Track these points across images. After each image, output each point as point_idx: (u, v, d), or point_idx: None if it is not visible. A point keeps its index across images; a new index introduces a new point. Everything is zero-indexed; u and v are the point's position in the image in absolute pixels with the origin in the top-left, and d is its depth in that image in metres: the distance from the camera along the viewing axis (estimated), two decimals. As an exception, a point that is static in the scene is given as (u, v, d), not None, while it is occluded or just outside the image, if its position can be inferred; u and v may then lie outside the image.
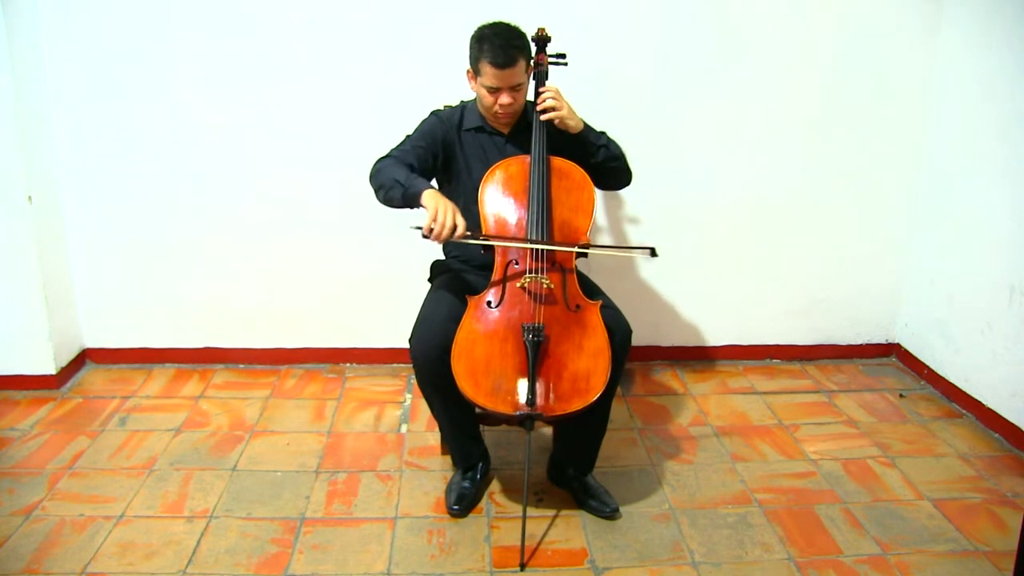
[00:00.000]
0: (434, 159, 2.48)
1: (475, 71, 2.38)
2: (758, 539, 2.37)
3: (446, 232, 2.19)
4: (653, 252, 2.32)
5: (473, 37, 2.37)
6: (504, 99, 2.36)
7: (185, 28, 3.02)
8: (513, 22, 2.39)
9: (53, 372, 3.12)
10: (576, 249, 2.34)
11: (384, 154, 2.45)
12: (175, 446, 2.79)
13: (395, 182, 2.32)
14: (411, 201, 2.30)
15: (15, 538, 2.31)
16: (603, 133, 2.50)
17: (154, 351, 3.35)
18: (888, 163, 3.33)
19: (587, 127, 2.46)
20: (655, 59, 3.14)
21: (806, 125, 3.26)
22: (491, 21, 2.39)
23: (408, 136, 2.50)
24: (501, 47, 2.30)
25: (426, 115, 2.55)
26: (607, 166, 2.48)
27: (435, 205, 2.21)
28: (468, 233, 2.26)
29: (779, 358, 3.52)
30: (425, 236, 2.21)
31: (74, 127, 3.10)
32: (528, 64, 2.38)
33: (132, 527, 2.37)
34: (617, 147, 2.50)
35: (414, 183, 2.30)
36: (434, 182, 2.56)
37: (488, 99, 2.38)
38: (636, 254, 2.29)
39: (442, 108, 2.57)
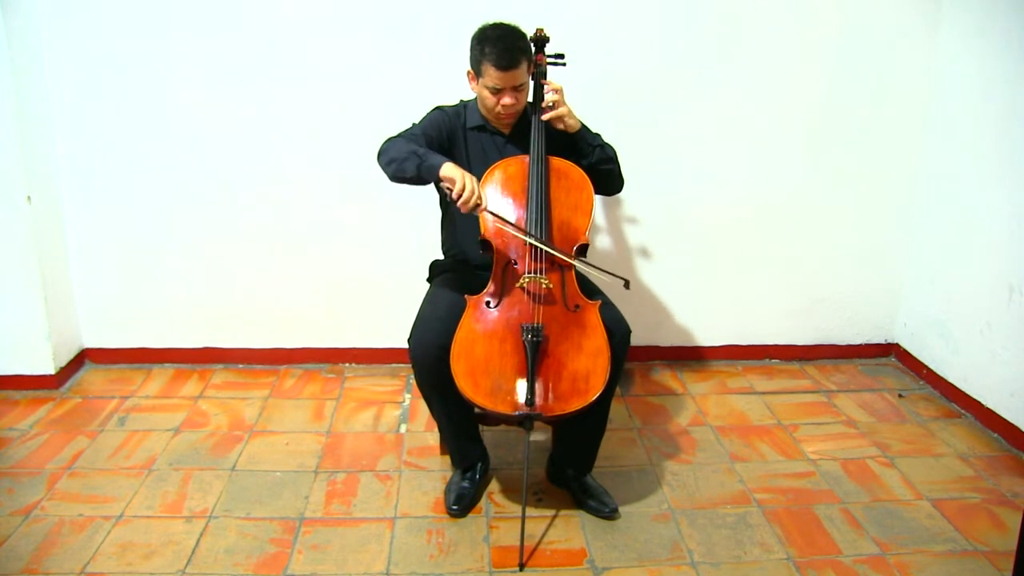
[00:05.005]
0: (439, 147, 2.45)
1: (476, 72, 2.38)
2: (757, 539, 2.37)
3: (472, 201, 2.18)
4: (627, 284, 2.29)
5: (474, 38, 2.37)
6: (506, 100, 2.35)
7: (185, 28, 3.02)
8: (513, 22, 2.39)
9: (52, 372, 3.12)
10: (573, 261, 2.33)
11: (392, 136, 2.43)
12: (174, 446, 2.79)
13: (411, 153, 2.28)
14: (427, 173, 2.26)
15: (14, 538, 2.31)
16: (598, 135, 2.50)
17: (153, 351, 3.35)
18: (887, 163, 3.33)
19: (584, 127, 2.47)
20: (655, 59, 3.14)
21: (806, 125, 3.26)
22: (492, 22, 2.38)
23: (415, 123, 2.50)
24: (505, 49, 2.29)
25: (428, 111, 2.55)
26: (600, 168, 2.47)
27: (461, 175, 2.19)
28: (490, 211, 2.25)
29: (778, 358, 3.52)
30: (452, 201, 2.20)
31: (73, 127, 3.10)
32: (530, 64, 2.38)
33: (131, 527, 2.37)
34: (612, 150, 2.50)
35: (431, 156, 2.27)
36: None
37: (490, 100, 2.38)
38: (612, 279, 2.29)
39: (443, 106, 2.57)
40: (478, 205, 2.21)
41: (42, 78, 3.02)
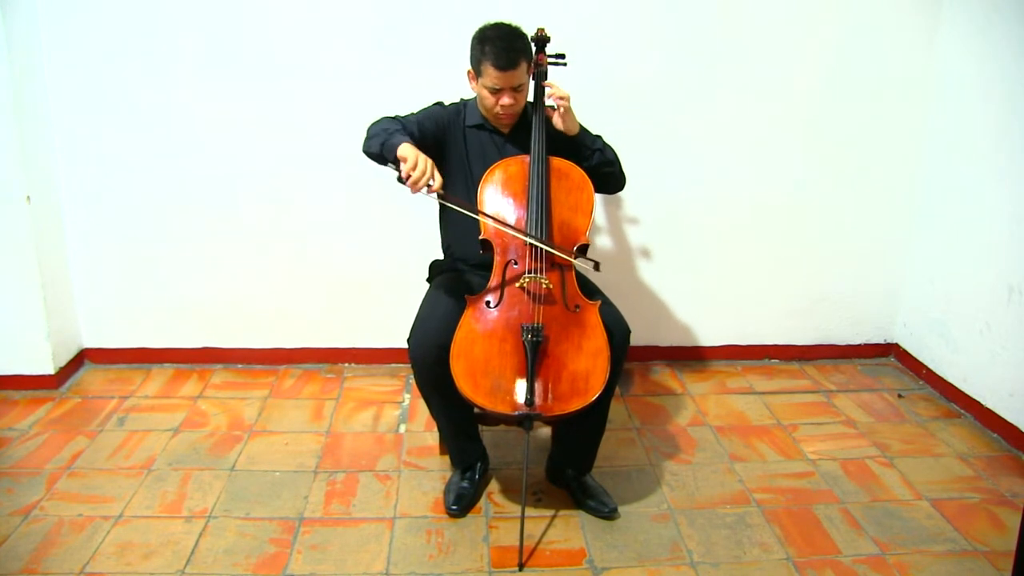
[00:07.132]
0: (434, 139, 2.45)
1: (476, 72, 2.38)
2: (756, 539, 2.37)
3: (422, 181, 2.15)
4: (596, 266, 2.33)
5: (474, 38, 2.37)
6: (505, 100, 2.36)
7: (184, 28, 3.02)
8: (513, 22, 2.38)
9: (52, 372, 3.12)
10: (570, 257, 2.33)
11: (385, 115, 2.44)
12: (174, 446, 2.79)
13: (381, 131, 2.30)
14: (388, 152, 2.25)
15: (14, 538, 2.31)
16: (599, 138, 2.50)
17: (153, 351, 3.35)
18: (887, 163, 3.33)
19: (583, 130, 2.47)
20: (655, 59, 3.14)
21: (806, 125, 3.26)
22: (492, 22, 2.38)
23: (413, 112, 2.50)
24: (504, 49, 2.29)
25: (430, 104, 2.55)
26: (600, 171, 2.48)
27: (413, 155, 2.17)
28: (443, 192, 2.23)
29: (778, 358, 3.52)
30: (401, 181, 2.17)
31: (73, 127, 3.10)
32: (529, 65, 2.38)
33: (130, 527, 2.37)
34: (612, 153, 2.50)
35: (396, 136, 2.26)
36: None
37: (489, 100, 2.38)
38: (582, 265, 2.34)
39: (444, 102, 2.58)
40: (429, 186, 2.17)
41: (42, 78, 3.02)
